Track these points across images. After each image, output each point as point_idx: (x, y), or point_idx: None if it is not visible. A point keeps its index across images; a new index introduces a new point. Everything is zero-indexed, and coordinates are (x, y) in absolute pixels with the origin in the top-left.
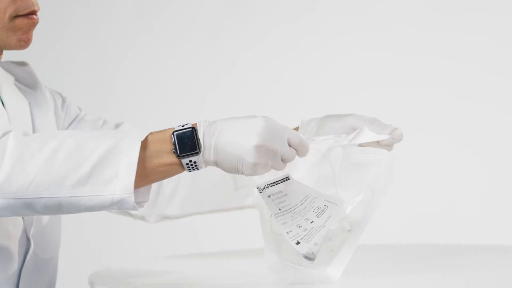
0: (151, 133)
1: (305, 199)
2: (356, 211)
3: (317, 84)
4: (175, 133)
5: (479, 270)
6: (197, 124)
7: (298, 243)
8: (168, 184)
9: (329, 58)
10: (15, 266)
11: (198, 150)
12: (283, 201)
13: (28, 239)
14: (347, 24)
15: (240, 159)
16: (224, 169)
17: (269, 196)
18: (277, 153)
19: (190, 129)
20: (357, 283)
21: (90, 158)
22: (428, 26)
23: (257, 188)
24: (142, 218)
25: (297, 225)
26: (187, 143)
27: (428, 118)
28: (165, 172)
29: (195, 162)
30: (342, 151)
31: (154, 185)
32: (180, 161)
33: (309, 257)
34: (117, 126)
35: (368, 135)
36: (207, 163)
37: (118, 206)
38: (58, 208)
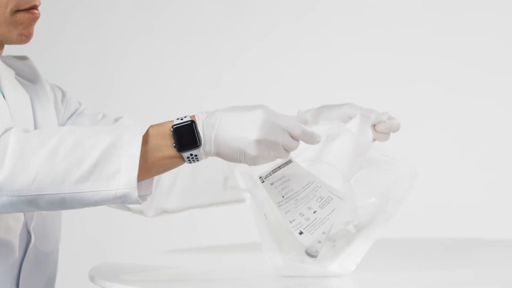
0: (151, 126)
1: (308, 185)
2: (365, 213)
3: (317, 83)
4: (174, 128)
5: (485, 265)
6: (196, 116)
7: (301, 233)
8: (166, 177)
9: (329, 58)
10: (16, 259)
11: (198, 143)
12: (286, 187)
13: (28, 233)
14: (347, 24)
15: (241, 152)
16: (225, 160)
17: (272, 183)
18: (278, 144)
19: (189, 122)
20: (359, 278)
21: (92, 153)
22: (428, 26)
23: (260, 177)
24: (140, 212)
25: (300, 213)
26: (187, 137)
27: (429, 116)
28: (167, 165)
29: (196, 155)
30: (366, 148)
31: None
32: (181, 154)
33: (312, 254)
34: (116, 120)
35: (368, 120)
36: (208, 155)
37: (121, 200)
38: (62, 204)
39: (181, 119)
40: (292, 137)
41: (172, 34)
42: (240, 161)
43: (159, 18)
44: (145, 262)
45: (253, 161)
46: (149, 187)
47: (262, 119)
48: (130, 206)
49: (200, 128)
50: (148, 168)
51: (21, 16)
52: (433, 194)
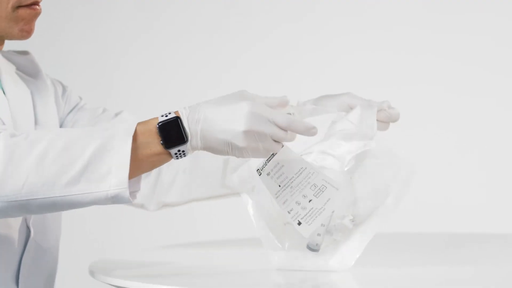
0: (138, 124)
1: (300, 171)
2: (364, 207)
3: (317, 83)
4: (160, 125)
5: (485, 261)
6: (179, 112)
7: (299, 223)
8: (167, 171)
9: (329, 58)
10: (15, 254)
11: (185, 139)
12: (281, 175)
13: (28, 228)
14: (347, 24)
15: (229, 144)
16: (213, 153)
17: (268, 174)
18: (266, 135)
19: (174, 118)
20: (360, 273)
21: (82, 156)
22: (428, 26)
23: (257, 170)
24: (142, 206)
25: (296, 202)
26: (173, 134)
27: (429, 116)
28: (155, 162)
29: (183, 150)
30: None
31: (153, 173)
32: (169, 151)
33: (313, 248)
34: (116, 115)
35: (372, 112)
36: (195, 149)
37: (113, 201)
38: (53, 207)
39: (166, 116)
40: (279, 127)
41: (172, 34)
42: (227, 154)
43: (159, 18)
44: (145, 257)
45: (240, 152)
46: (137, 184)
47: (247, 110)
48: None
49: (185, 123)
50: (137, 166)
51: (22, 12)
52: (433, 191)
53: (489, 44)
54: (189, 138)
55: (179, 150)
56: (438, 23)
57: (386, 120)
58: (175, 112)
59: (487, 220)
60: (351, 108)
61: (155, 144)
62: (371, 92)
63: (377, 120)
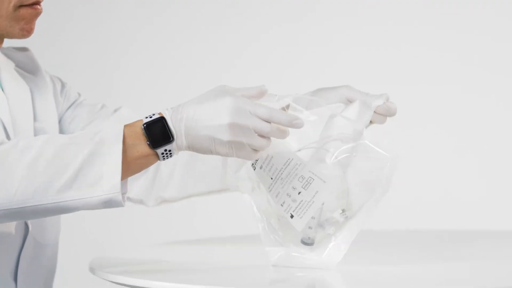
0: (125, 127)
1: (288, 162)
2: (356, 201)
3: (317, 83)
4: (145, 126)
5: (481, 258)
6: (162, 113)
7: (292, 216)
8: (165, 166)
9: (329, 58)
10: (13, 251)
11: (171, 138)
12: (271, 167)
13: (26, 224)
14: (347, 24)
15: (212, 140)
16: (198, 152)
17: (261, 167)
18: (249, 129)
19: (159, 118)
20: (358, 271)
21: (74, 162)
22: (428, 26)
23: (252, 165)
24: (141, 202)
25: (287, 194)
26: (159, 133)
27: (429, 115)
28: (143, 164)
29: (169, 151)
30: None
31: (152, 168)
32: (155, 151)
33: (307, 242)
34: (115, 110)
35: (368, 108)
36: (180, 149)
37: (105, 205)
38: (46, 212)
39: (150, 117)
40: (262, 119)
41: (172, 34)
42: (212, 152)
43: (159, 18)
44: (145, 254)
45: (225, 149)
46: (125, 186)
47: (229, 105)
48: (131, 197)
49: (169, 122)
50: (126, 169)
51: (24, 11)
52: (433, 190)
53: (489, 43)
54: (175, 137)
55: (165, 150)
56: (438, 23)
57: (384, 113)
58: (159, 113)
59: (487, 218)
60: (349, 101)
61: (142, 145)
62: (372, 91)
63: (374, 112)
